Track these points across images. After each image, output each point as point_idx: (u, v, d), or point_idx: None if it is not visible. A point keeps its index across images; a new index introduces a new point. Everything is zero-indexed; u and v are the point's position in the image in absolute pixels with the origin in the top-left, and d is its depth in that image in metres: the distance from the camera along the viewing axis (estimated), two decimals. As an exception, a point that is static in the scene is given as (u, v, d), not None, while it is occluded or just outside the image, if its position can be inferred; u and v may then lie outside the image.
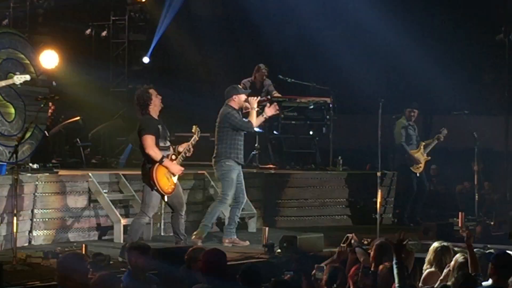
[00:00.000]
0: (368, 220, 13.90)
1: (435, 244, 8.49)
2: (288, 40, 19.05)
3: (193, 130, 11.01)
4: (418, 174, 14.74)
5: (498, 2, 19.55)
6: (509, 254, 7.48)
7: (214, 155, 11.82)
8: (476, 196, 15.33)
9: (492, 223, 14.68)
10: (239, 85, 12.54)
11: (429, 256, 8.41)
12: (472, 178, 15.89)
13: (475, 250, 8.01)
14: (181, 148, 10.89)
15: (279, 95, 14.83)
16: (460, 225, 13.90)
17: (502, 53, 17.97)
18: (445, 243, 8.49)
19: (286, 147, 15.22)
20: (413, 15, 19.62)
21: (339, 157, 14.90)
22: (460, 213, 14.29)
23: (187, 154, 10.92)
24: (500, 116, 18.92)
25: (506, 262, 7.21)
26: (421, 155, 14.81)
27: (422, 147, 14.87)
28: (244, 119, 11.81)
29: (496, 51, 19.06)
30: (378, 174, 12.65)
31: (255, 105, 11.94)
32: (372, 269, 7.75)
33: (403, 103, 15.73)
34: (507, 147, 18.09)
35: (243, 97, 11.87)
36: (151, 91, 10.70)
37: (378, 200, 12.58)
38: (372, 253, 8.03)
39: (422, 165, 14.84)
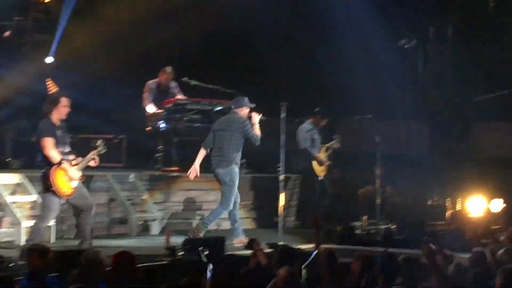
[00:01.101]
0: (272, 224, 14.18)
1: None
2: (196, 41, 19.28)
3: (97, 144, 11.22)
4: (320, 178, 15.10)
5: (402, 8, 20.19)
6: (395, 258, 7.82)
7: (221, 158, 12.49)
8: (378, 200, 15.85)
9: (393, 227, 15.10)
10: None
11: None
12: (375, 182, 16.43)
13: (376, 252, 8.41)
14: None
15: (184, 97, 15.04)
16: (362, 228, 14.39)
17: (406, 58, 18.76)
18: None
19: (190, 150, 15.43)
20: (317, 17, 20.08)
21: (243, 160, 15.19)
22: (362, 216, 14.81)
23: (92, 164, 11.11)
24: (401, 121, 19.58)
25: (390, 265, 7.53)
26: (324, 159, 15.18)
27: (324, 150, 15.24)
28: None
29: (399, 56, 19.62)
30: (281, 177, 12.93)
31: (257, 120, 12.68)
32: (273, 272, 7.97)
33: (308, 107, 16.12)
34: (409, 151, 18.68)
35: (248, 109, 12.74)
36: (63, 99, 10.89)
37: (281, 203, 12.89)
38: (273, 257, 8.29)
39: (325, 168, 15.21)
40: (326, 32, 19.50)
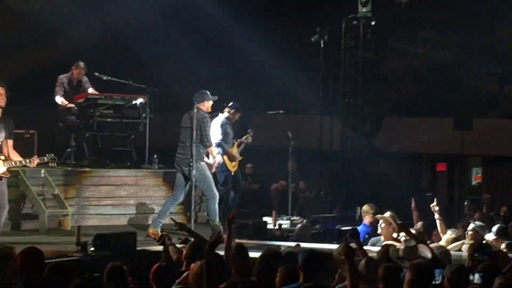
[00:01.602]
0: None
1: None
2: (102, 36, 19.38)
3: (46, 158, 11.30)
4: (233, 173, 15.26)
5: (314, 3, 20.53)
6: (317, 253, 8.01)
7: (184, 156, 12.80)
8: (290, 195, 16.12)
9: (305, 221, 15.34)
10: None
11: None
12: (288, 177, 16.70)
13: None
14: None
15: (95, 92, 15.07)
16: (273, 223, 14.59)
17: (317, 54, 18.87)
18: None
19: (102, 145, 15.46)
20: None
21: (155, 155, 15.27)
22: (273, 211, 15.04)
23: (29, 164, 11.16)
24: (314, 116, 19.83)
25: (314, 261, 7.67)
26: (236, 154, 15.36)
27: (236, 145, 15.40)
28: None
29: (311, 52, 19.94)
30: (194, 172, 13.06)
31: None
32: (184, 267, 8.12)
33: (222, 101, 16.28)
34: (322, 146, 19.01)
35: (211, 103, 13.07)
36: None
37: (193, 199, 13.04)
38: (184, 252, 8.43)
39: (237, 163, 15.38)
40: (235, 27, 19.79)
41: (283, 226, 14.54)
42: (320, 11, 21.10)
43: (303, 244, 10.93)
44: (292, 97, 20.66)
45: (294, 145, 16.46)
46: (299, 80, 21.11)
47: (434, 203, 11.46)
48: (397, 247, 9.22)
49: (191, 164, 12.72)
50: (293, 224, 14.98)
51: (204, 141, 12.94)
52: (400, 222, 10.60)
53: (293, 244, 11.30)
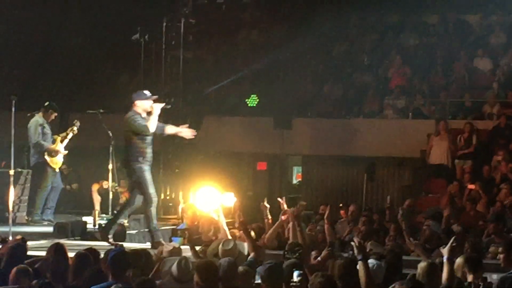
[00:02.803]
0: (4, 219, 14.16)
1: None
2: None
3: None
4: (54, 171, 15.26)
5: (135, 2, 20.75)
6: (124, 253, 8.39)
7: (125, 159, 12.55)
8: (111, 194, 16.31)
9: (126, 221, 15.50)
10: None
11: None
12: (108, 176, 16.83)
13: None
14: None
15: None
16: (93, 223, 14.77)
17: (138, 53, 19.11)
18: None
19: None
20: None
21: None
22: (94, 211, 15.21)
23: None
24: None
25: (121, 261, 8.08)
26: (59, 149, 15.36)
27: (58, 141, 15.41)
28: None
29: (132, 51, 20.19)
30: (11, 172, 13.05)
31: (158, 110, 12.57)
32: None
33: (40, 101, 16.26)
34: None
35: (149, 101, 12.47)
36: None
37: (11, 198, 13.03)
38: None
39: (60, 160, 15.38)
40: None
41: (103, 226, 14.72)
42: (142, 10, 21.30)
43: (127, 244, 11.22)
44: (113, 96, 20.80)
45: (115, 144, 16.60)
46: (121, 78, 21.31)
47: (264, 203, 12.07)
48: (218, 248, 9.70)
49: (131, 166, 12.48)
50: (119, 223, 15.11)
51: (142, 132, 12.41)
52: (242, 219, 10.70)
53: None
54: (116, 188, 17.25)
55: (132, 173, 12.50)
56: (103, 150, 17.30)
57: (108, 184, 16.83)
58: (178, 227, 13.94)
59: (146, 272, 8.36)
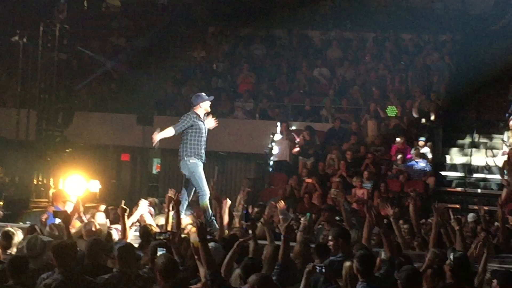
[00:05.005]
0: None
1: None
2: None
3: None
4: None
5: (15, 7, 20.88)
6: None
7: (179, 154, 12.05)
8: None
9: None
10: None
11: None
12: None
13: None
14: None
15: None
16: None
17: (17, 54, 19.37)
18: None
19: None
20: None
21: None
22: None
23: None
24: (12, 109, 20.24)
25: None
26: None
27: None
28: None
29: (11, 52, 20.53)
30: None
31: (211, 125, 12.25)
32: None
33: None
34: (18, 136, 19.42)
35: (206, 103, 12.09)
36: None
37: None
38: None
39: None
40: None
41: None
42: (22, 15, 21.43)
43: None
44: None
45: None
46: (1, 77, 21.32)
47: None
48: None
49: (181, 161, 12.07)
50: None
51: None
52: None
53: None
54: None
55: (183, 168, 12.07)
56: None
57: None
58: (56, 209, 13.10)
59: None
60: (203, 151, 12.12)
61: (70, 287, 7.35)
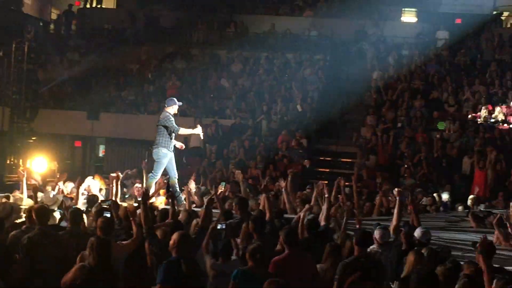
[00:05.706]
0: None
1: None
2: None
3: None
4: None
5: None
6: None
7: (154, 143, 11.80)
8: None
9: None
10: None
11: None
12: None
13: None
14: None
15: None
16: None
17: None
18: None
19: None
20: None
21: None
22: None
23: None
24: None
25: None
26: None
27: None
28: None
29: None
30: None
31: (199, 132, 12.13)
32: None
33: None
34: None
35: (176, 107, 11.81)
36: None
37: None
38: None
39: None
40: None
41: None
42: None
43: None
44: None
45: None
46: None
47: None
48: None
49: (155, 148, 11.68)
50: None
51: (173, 131, 11.69)
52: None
53: None
54: None
55: (155, 153, 11.71)
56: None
57: None
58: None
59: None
60: (173, 143, 11.86)
61: (45, 238, 7.39)
